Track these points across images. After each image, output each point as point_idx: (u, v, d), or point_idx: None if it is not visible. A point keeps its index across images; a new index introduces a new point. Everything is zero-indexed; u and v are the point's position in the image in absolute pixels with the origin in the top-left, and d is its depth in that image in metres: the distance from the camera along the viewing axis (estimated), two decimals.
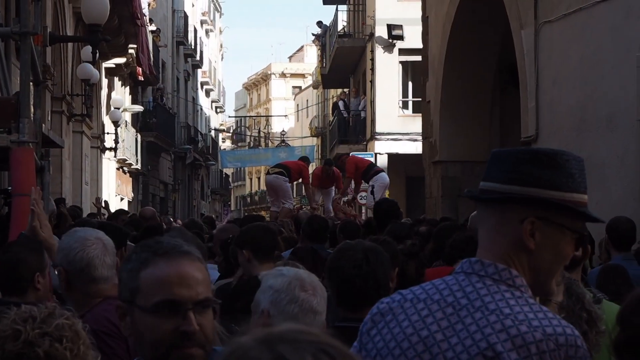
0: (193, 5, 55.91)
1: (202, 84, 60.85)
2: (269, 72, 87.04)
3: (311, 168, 21.96)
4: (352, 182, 17.10)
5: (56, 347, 2.86)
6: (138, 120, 36.70)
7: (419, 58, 21.94)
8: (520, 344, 2.29)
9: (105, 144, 28.46)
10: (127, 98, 33.85)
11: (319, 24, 41.71)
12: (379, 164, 30.00)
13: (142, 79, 32.28)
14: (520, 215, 2.41)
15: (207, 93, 64.26)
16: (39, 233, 5.04)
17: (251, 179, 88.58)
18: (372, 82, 31.15)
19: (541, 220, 2.40)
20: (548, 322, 2.32)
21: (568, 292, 3.46)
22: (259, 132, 79.04)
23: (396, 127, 30.30)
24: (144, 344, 2.40)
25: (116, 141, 28.70)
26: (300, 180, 17.07)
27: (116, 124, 28.08)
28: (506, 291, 2.39)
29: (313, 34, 44.75)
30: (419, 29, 20.88)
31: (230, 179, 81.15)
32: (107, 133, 28.69)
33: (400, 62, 30.52)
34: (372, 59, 30.90)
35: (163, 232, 10.94)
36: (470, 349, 2.33)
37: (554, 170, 2.41)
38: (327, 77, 39.68)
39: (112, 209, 17.24)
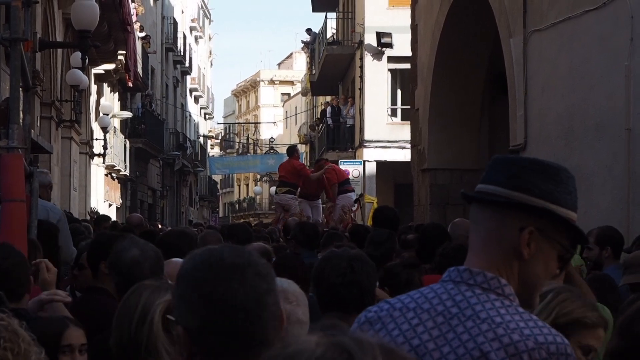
0: (182, 12, 55.90)
1: (191, 90, 60.80)
2: (258, 79, 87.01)
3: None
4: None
5: None
6: (127, 127, 36.66)
7: (408, 66, 21.98)
8: (512, 352, 2.29)
9: (94, 150, 28.42)
10: (116, 104, 33.80)
11: (308, 31, 41.75)
12: (367, 171, 30.11)
13: (131, 86, 32.23)
14: (521, 223, 2.40)
15: (196, 100, 64.20)
16: (43, 273, 5.09)
17: (239, 186, 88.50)
18: (361, 89, 31.16)
19: (539, 231, 2.41)
20: (539, 331, 2.33)
21: None
22: (247, 138, 78.95)
23: (385, 135, 30.31)
24: None
25: (105, 147, 28.67)
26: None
27: (105, 130, 28.05)
28: (496, 300, 2.38)
29: (302, 41, 44.83)
30: (408, 36, 20.90)
31: (218, 186, 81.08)
32: (96, 139, 28.65)
33: (389, 69, 30.55)
34: (361, 67, 30.91)
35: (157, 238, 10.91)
36: (463, 357, 2.32)
37: (557, 185, 2.42)
38: (316, 85, 39.68)
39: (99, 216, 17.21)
